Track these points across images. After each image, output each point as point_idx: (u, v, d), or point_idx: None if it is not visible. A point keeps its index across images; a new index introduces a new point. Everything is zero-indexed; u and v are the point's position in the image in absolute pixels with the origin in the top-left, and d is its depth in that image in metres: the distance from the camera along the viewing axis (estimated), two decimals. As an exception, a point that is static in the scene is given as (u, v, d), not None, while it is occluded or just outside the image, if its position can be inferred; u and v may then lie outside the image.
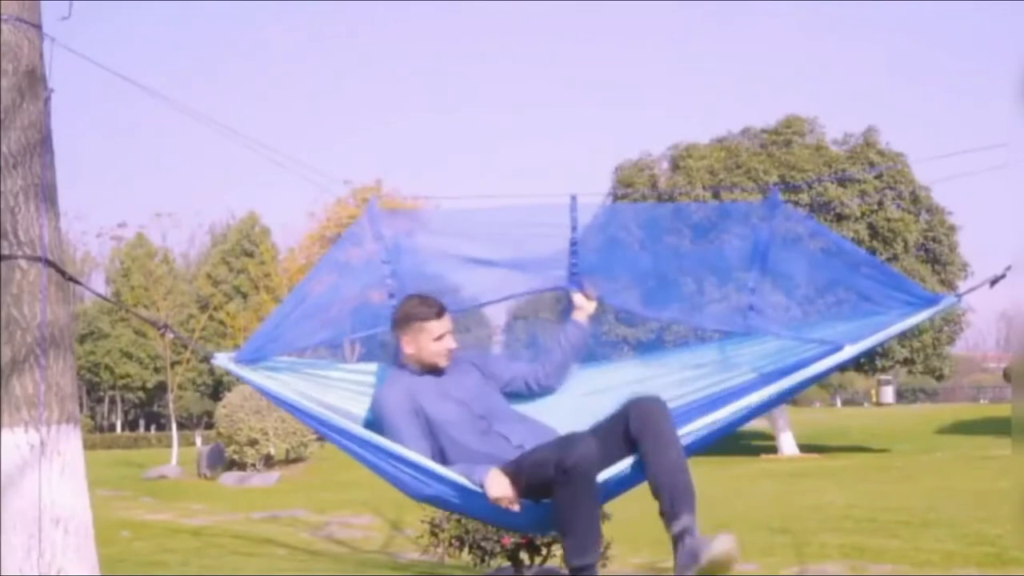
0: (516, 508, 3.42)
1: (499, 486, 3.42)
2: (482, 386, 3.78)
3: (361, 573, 10.67)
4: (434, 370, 3.76)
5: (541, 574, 8.26)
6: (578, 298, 3.93)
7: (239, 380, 3.98)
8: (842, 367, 3.87)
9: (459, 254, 3.98)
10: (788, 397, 3.72)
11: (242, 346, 3.80)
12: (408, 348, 3.74)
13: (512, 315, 4.13)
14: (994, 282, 3.60)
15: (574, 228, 3.84)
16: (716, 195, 29.43)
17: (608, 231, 4.12)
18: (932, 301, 3.67)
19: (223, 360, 3.69)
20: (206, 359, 3.86)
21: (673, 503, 3.40)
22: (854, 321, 3.67)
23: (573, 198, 3.81)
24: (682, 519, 3.41)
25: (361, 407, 3.78)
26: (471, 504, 3.54)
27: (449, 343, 3.74)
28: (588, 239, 3.94)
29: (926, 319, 3.69)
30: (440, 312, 3.73)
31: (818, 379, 3.71)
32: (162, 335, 4.03)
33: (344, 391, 3.82)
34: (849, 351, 3.57)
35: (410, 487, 3.55)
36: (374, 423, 3.68)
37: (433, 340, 3.72)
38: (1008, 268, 3.55)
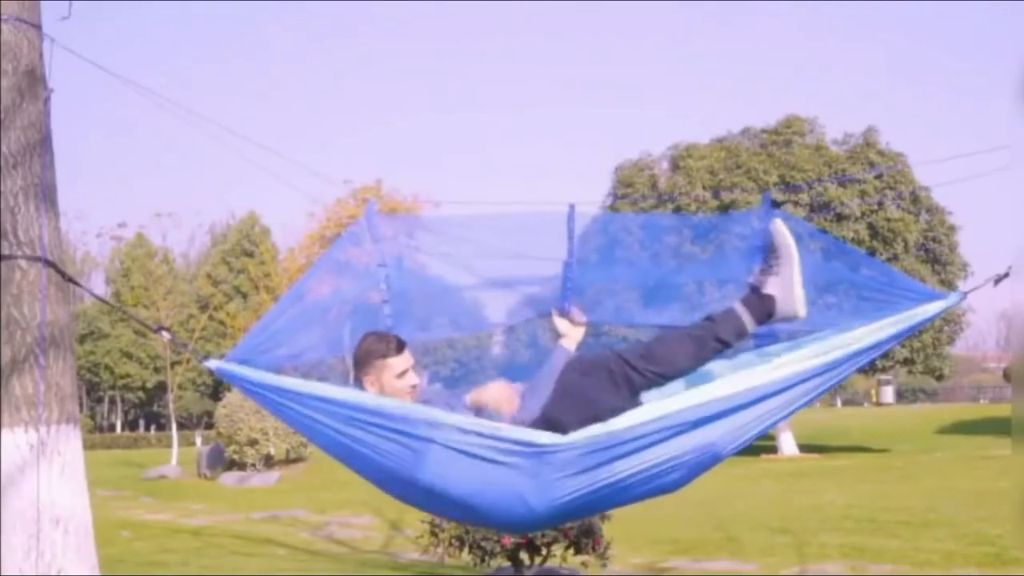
0: (515, 408, 3.36)
1: (493, 387, 3.41)
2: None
3: (361, 573, 10.68)
4: None
5: (541, 574, 8.26)
6: (563, 324, 3.79)
7: (230, 383, 3.92)
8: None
9: (457, 261, 3.96)
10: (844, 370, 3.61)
11: (237, 346, 3.76)
12: (372, 388, 3.61)
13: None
14: (998, 280, 3.61)
15: (571, 237, 3.81)
16: (716, 195, 29.45)
17: (608, 231, 4.12)
18: (935, 297, 3.67)
19: (215, 364, 3.62)
20: (201, 361, 3.79)
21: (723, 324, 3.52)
22: (859, 319, 3.65)
23: (571, 207, 3.78)
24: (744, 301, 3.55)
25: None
26: (458, 498, 3.41)
27: (412, 379, 3.61)
28: (589, 239, 3.93)
29: (935, 316, 3.67)
30: (400, 347, 3.61)
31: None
32: (158, 333, 3.96)
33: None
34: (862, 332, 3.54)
35: (395, 470, 3.39)
36: None
37: (395, 377, 3.57)
38: (1010, 268, 3.55)
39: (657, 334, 3.58)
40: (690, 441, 3.37)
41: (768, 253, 3.52)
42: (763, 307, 3.50)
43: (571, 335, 3.77)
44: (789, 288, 3.44)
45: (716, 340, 3.50)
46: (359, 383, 3.65)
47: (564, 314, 3.81)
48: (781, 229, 3.49)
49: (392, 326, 3.84)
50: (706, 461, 3.47)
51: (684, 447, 3.37)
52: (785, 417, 3.64)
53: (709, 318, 3.56)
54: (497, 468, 3.33)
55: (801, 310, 3.48)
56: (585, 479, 3.36)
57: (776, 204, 3.83)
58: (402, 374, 3.58)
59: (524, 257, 3.85)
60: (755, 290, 3.53)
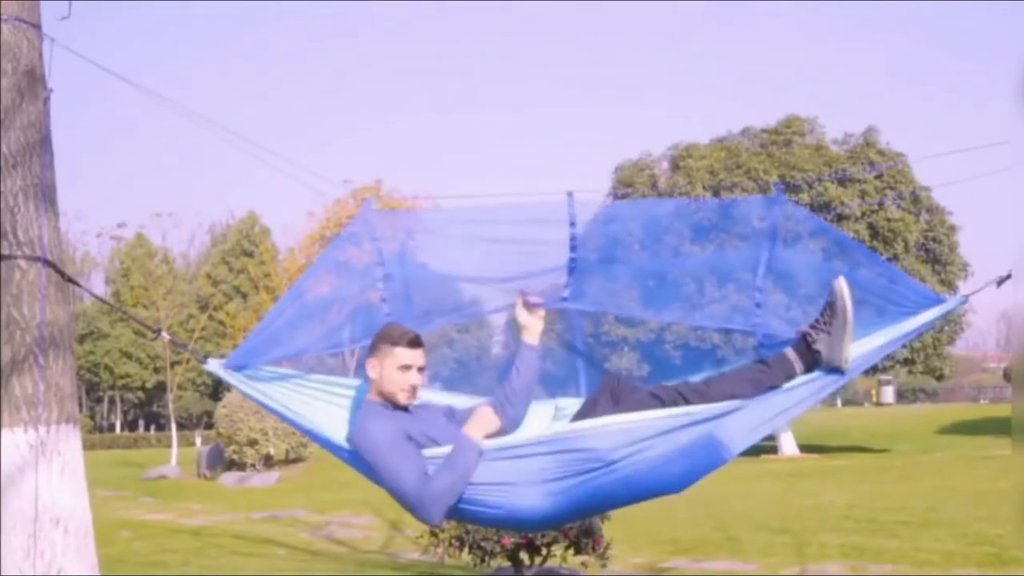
0: (499, 427, 3.46)
1: (482, 417, 3.45)
2: (445, 427, 3.59)
3: (361, 573, 10.67)
4: (397, 407, 3.56)
5: (541, 574, 8.25)
6: (522, 315, 3.72)
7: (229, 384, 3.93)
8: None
9: (459, 255, 3.95)
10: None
11: (238, 347, 3.76)
12: (372, 372, 3.56)
13: (512, 315, 4.07)
14: (1000, 282, 3.62)
15: (572, 224, 3.80)
16: (716, 195, 29.44)
17: (608, 230, 4.11)
18: (935, 300, 3.68)
19: (214, 366, 3.64)
20: (201, 362, 3.80)
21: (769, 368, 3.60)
22: (859, 322, 3.67)
23: (569, 195, 3.77)
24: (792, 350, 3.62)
25: (343, 426, 3.65)
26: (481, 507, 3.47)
27: (413, 378, 3.52)
28: (588, 239, 3.91)
29: (936, 319, 3.69)
30: (412, 342, 3.53)
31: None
32: (154, 338, 3.99)
33: (327, 406, 3.73)
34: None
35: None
36: (357, 456, 3.52)
37: (397, 368, 3.50)
38: (1012, 270, 3.56)
39: (715, 375, 3.64)
40: (695, 432, 3.44)
41: (825, 308, 3.58)
42: (811, 357, 3.60)
43: (531, 327, 3.69)
44: (839, 349, 3.55)
45: (769, 388, 3.58)
46: (366, 364, 3.62)
47: (521, 301, 3.73)
48: (843, 292, 3.52)
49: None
50: (712, 459, 3.50)
51: (687, 439, 3.43)
52: (784, 418, 3.66)
53: (763, 362, 3.63)
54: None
55: (845, 366, 3.59)
56: (593, 472, 3.40)
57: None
58: (405, 368, 3.52)
59: (526, 243, 3.83)
60: (804, 339, 3.60)
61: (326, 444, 3.62)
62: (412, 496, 3.35)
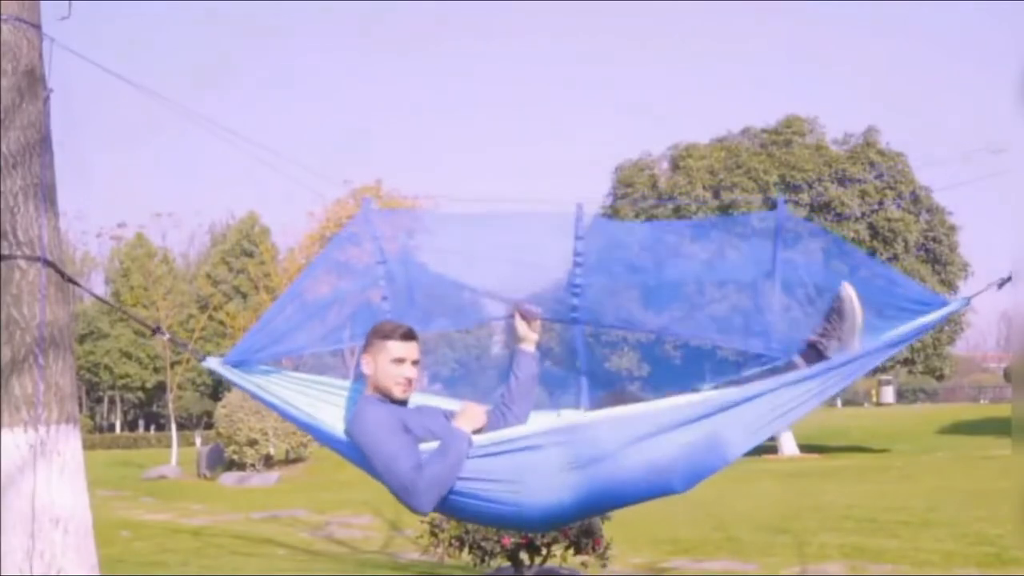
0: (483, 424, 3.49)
1: (470, 411, 3.49)
2: (446, 425, 3.58)
3: (361, 573, 10.67)
4: (393, 401, 3.60)
5: (541, 574, 8.25)
6: (520, 327, 3.76)
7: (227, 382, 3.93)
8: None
9: (459, 260, 3.94)
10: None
11: (236, 344, 3.76)
12: (367, 368, 3.57)
13: (512, 315, 4.07)
14: (1001, 284, 3.62)
15: (578, 237, 3.77)
16: (716, 195, 29.46)
17: (609, 231, 4.11)
18: (936, 302, 3.68)
19: (213, 363, 3.64)
20: (199, 360, 3.80)
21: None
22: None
23: (579, 206, 3.74)
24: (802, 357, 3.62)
25: (341, 420, 3.67)
26: (475, 503, 3.49)
27: (407, 371, 3.53)
28: (589, 239, 3.91)
29: (938, 321, 3.69)
30: (406, 336, 3.55)
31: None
32: (152, 335, 4.00)
33: (325, 402, 3.74)
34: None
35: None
36: (354, 447, 3.52)
37: (390, 361, 3.51)
38: (1012, 272, 3.56)
39: (724, 385, 3.63)
40: (696, 432, 3.42)
41: (831, 314, 3.58)
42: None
43: (528, 337, 3.77)
44: (849, 351, 3.56)
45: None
46: (361, 360, 3.63)
47: (518, 312, 3.75)
48: (851, 296, 3.53)
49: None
50: (715, 459, 3.49)
51: (690, 437, 3.42)
52: (787, 420, 3.65)
53: (773, 371, 3.62)
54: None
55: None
56: (593, 468, 3.40)
57: (773, 205, 3.83)
58: (398, 361, 3.53)
59: (528, 251, 3.82)
60: (814, 347, 3.59)
61: (324, 438, 3.62)
62: (406, 481, 3.35)
